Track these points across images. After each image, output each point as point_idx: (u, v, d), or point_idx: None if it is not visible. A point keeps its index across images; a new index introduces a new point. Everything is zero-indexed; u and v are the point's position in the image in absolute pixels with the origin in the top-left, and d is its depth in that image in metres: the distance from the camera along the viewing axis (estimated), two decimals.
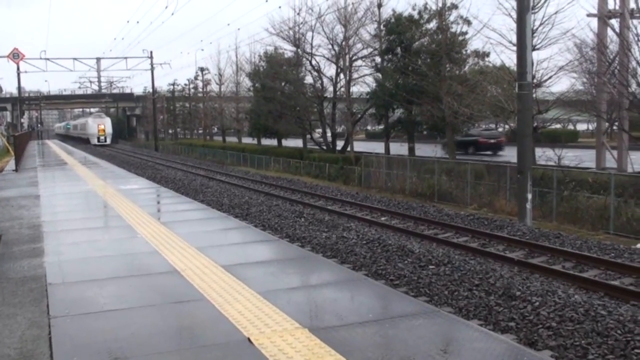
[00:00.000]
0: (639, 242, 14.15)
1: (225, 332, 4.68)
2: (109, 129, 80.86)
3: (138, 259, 7.27)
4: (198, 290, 5.77)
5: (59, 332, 4.77)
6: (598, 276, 10.98)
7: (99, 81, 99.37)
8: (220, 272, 6.43)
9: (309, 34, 40.00)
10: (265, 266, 6.92)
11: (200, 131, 78.59)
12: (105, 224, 10.46)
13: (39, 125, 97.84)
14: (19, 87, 59.14)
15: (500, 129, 41.23)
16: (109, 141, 79.23)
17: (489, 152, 39.88)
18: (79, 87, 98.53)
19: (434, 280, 10.17)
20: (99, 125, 79.84)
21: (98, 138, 78.81)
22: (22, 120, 70.51)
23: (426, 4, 31.88)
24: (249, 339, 4.48)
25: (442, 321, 4.95)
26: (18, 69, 53.41)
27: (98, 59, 79.89)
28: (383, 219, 17.70)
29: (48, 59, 57.00)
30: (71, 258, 7.48)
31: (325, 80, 41.26)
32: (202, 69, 71.15)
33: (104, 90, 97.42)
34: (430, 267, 11.01)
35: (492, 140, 40.85)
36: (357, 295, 5.71)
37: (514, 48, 19.67)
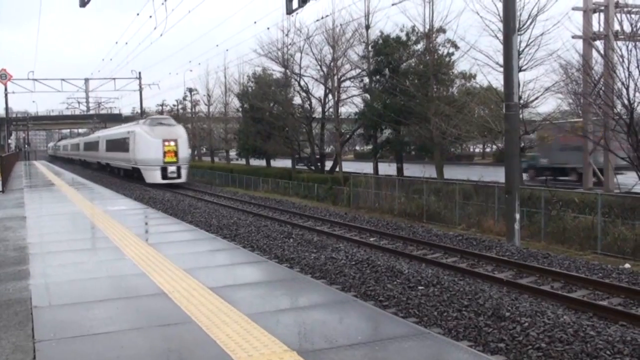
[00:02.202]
0: (626, 262, 14.19)
1: (213, 356, 4.63)
2: (184, 150, 40.33)
3: (125, 281, 7.20)
4: (186, 313, 5.72)
5: (44, 357, 4.70)
6: (587, 296, 10.99)
7: (87, 102, 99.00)
8: (208, 294, 6.38)
9: (298, 55, 40.29)
10: (254, 288, 6.88)
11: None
12: (93, 246, 10.36)
13: (26, 146, 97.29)
14: (7, 108, 58.99)
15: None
16: (184, 176, 39.93)
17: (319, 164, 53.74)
18: (67, 108, 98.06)
19: (423, 301, 10.15)
20: (166, 142, 39.15)
21: (164, 170, 38.78)
22: (10, 141, 70.10)
23: (414, 26, 32.25)
24: None
25: (431, 343, 4.93)
26: (5, 89, 53.42)
27: (86, 80, 77.98)
28: (372, 239, 17.67)
29: (36, 80, 56.88)
30: (57, 280, 7.40)
31: (313, 100, 41.51)
32: (190, 90, 71.20)
33: (92, 111, 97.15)
34: (420, 287, 10.98)
35: (318, 156, 54.30)
36: (346, 317, 5.68)
37: (501, 69, 19.87)
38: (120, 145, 45.44)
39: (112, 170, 50.27)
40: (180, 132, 40.81)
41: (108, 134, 54.34)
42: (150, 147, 39.01)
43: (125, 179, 43.35)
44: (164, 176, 38.50)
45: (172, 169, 38.89)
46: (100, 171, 55.02)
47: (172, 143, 39.09)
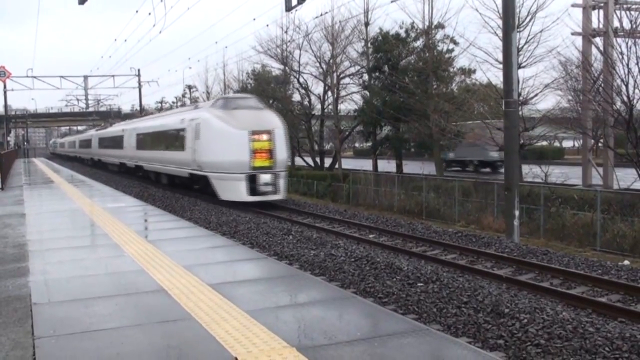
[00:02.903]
0: (625, 258, 14.21)
1: (213, 352, 4.64)
2: (282, 149, 24.23)
3: (125, 278, 7.20)
4: (185, 310, 5.72)
5: (43, 353, 4.70)
6: (586, 293, 11.00)
7: (87, 99, 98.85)
8: (207, 291, 6.38)
9: (297, 52, 40.26)
10: (253, 284, 6.88)
11: None
12: (92, 243, 10.36)
13: (25, 143, 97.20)
14: (6, 106, 58.87)
15: None
16: (282, 190, 24.32)
17: None
18: (66, 105, 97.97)
19: (423, 297, 10.15)
20: (255, 135, 23.44)
21: (252, 180, 23.42)
22: (9, 138, 70.01)
23: (413, 22, 32.24)
24: (236, 359, 4.44)
25: (431, 339, 4.93)
26: (4, 87, 53.28)
27: (85, 77, 76.83)
28: (371, 236, 17.67)
29: (35, 77, 56.82)
30: (57, 277, 7.40)
31: (313, 97, 41.50)
32: (189, 87, 71.12)
33: (91, 108, 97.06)
34: (419, 284, 10.99)
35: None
36: (346, 313, 5.69)
37: (500, 66, 19.89)
38: (167, 140, 31.07)
39: (145, 174, 37.02)
40: (275, 121, 24.97)
41: (142, 125, 38.89)
42: (229, 143, 23.89)
43: (171, 189, 31.17)
44: (253, 190, 23.62)
45: (265, 178, 23.79)
46: (121, 175, 42.83)
47: (265, 137, 23.89)
